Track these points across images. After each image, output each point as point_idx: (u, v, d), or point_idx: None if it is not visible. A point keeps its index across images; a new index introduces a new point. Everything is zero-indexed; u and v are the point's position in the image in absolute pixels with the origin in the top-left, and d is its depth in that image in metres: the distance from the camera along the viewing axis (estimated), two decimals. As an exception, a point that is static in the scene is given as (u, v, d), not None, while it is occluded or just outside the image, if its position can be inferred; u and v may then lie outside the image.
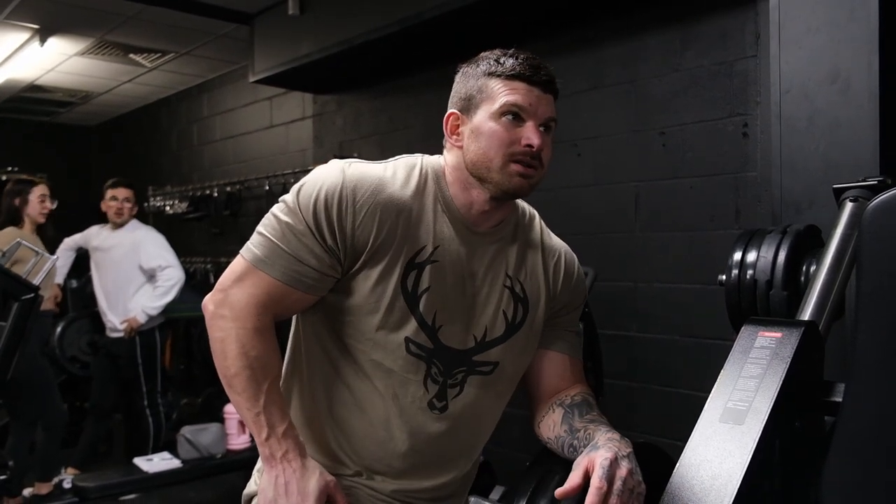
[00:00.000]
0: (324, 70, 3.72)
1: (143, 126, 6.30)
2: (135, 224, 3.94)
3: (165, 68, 5.01)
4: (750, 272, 1.49)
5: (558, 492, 1.06)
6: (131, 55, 4.69)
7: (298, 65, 3.60)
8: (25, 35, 4.26)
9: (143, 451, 3.67)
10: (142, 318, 3.75)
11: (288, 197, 1.16)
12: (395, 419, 1.19)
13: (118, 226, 3.89)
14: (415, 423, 1.20)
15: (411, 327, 1.16)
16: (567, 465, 1.22)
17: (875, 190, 1.39)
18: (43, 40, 4.28)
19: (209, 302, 1.16)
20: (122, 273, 3.82)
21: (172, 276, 3.81)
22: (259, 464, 1.29)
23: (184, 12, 3.79)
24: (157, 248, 3.85)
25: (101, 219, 4.00)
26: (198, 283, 5.02)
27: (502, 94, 1.14)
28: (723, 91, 2.51)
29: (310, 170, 1.20)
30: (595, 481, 1.01)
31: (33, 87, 5.47)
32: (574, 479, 1.05)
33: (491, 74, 1.16)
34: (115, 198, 3.85)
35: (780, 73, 1.84)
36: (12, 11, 3.86)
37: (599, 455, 1.05)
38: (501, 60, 1.16)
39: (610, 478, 1.02)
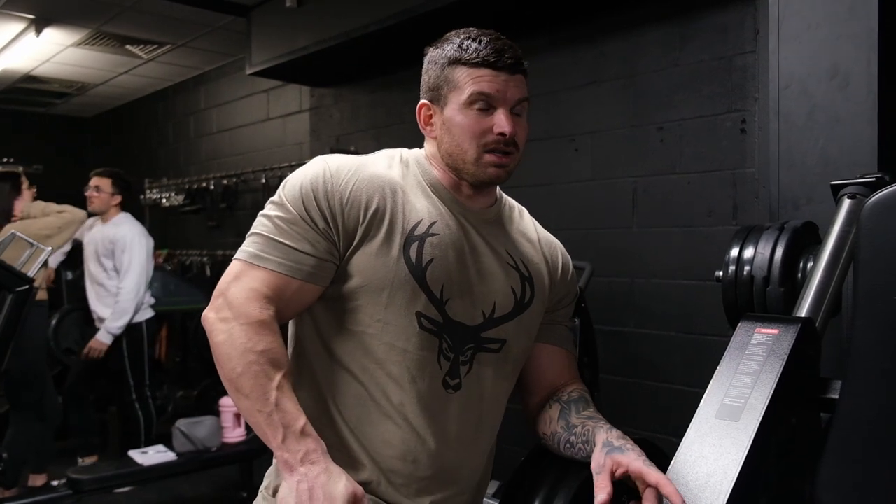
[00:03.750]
0: (321, 63, 3.70)
1: (139, 118, 6.28)
2: (120, 219, 3.84)
3: (162, 60, 4.99)
4: (747, 268, 1.49)
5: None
6: (128, 46, 4.67)
7: (296, 57, 3.58)
8: (21, 25, 4.23)
9: (136, 444, 3.66)
10: (106, 340, 3.67)
11: (274, 196, 1.17)
12: (412, 406, 1.15)
13: (105, 219, 3.82)
14: (432, 407, 1.16)
15: (421, 301, 1.14)
16: (563, 460, 1.22)
17: (873, 187, 1.39)
18: (39, 31, 4.25)
19: (209, 311, 1.12)
20: (104, 267, 3.78)
21: (129, 294, 3.69)
22: (265, 481, 1.23)
23: (181, 4, 3.76)
24: (127, 260, 3.72)
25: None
26: (194, 277, 5.02)
27: (468, 84, 1.13)
28: (721, 87, 2.50)
29: (306, 162, 1.20)
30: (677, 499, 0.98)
31: (29, 78, 5.45)
32: (605, 485, 1.03)
33: (455, 62, 1.15)
34: (88, 186, 3.80)
35: (779, 68, 1.83)
36: (8, 1, 3.84)
37: (637, 464, 1.04)
38: (464, 46, 1.14)
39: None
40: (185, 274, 5.09)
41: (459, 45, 1.15)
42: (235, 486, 3.42)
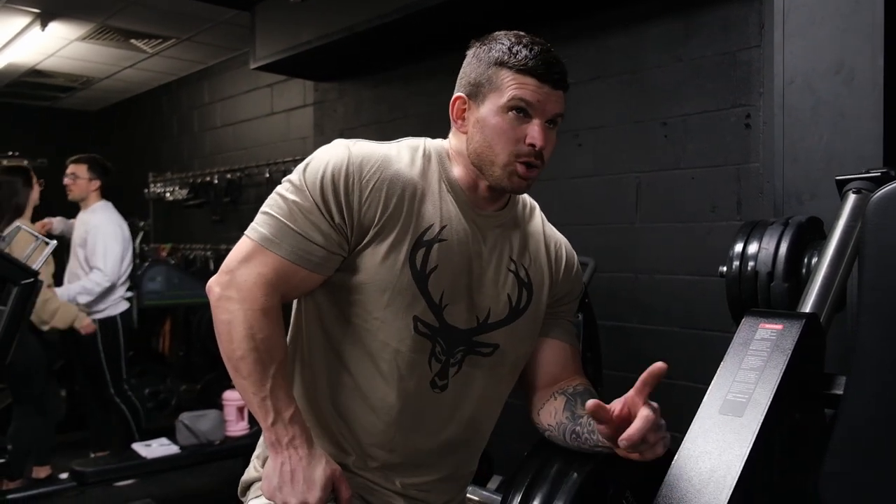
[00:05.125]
0: (324, 58, 3.70)
1: (143, 112, 6.28)
2: (98, 207, 3.75)
3: (166, 54, 4.99)
4: (751, 264, 1.49)
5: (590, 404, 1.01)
6: (132, 40, 4.67)
7: (299, 52, 3.58)
8: (27, 19, 4.24)
9: (130, 438, 3.61)
10: (61, 295, 3.54)
11: (293, 176, 1.16)
12: (395, 402, 1.18)
13: (85, 205, 3.74)
14: (415, 404, 1.19)
15: (420, 306, 1.15)
16: (565, 455, 1.22)
17: (878, 182, 1.38)
18: (44, 25, 4.25)
19: (214, 284, 1.15)
20: (78, 256, 3.71)
21: (100, 282, 3.60)
22: (258, 450, 1.29)
23: (185, -2, 3.77)
24: (101, 246, 3.62)
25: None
26: (198, 271, 5.02)
27: (511, 87, 1.13)
28: (726, 81, 2.49)
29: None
30: (645, 411, 0.99)
31: (34, 72, 5.45)
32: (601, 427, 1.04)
33: (502, 64, 1.14)
34: (66, 174, 3.72)
35: (783, 63, 1.83)
36: (13, -5, 3.85)
37: (638, 397, 1.03)
38: (514, 50, 1.13)
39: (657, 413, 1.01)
40: (189, 268, 5.10)
41: (509, 49, 1.13)
42: (239, 479, 3.42)
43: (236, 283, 1.12)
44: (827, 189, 1.64)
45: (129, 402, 3.80)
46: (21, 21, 4.26)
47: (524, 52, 1.13)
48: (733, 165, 2.48)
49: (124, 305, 3.83)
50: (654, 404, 1.03)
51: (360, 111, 4.11)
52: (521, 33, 1.17)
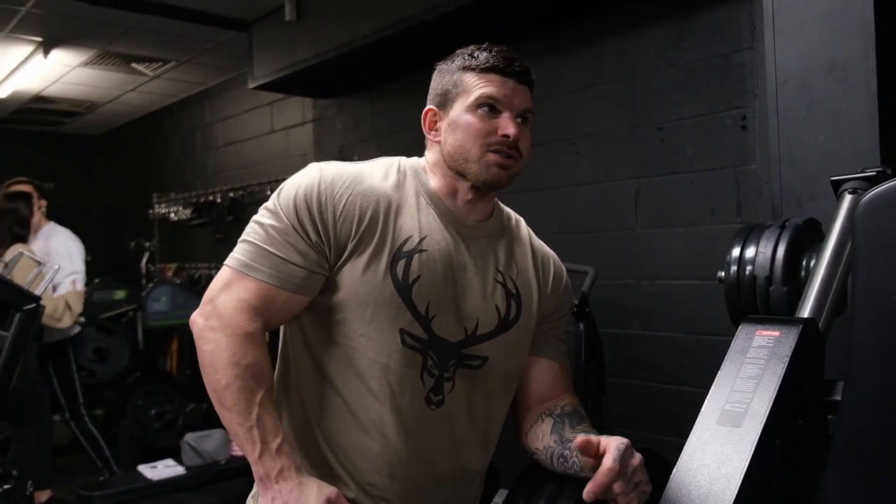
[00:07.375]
0: (322, 75, 3.71)
1: (146, 134, 6.33)
2: (49, 230, 3.73)
3: (167, 77, 5.03)
4: (749, 268, 1.46)
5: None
6: (133, 65, 4.72)
7: (297, 70, 3.59)
8: (30, 48, 4.29)
9: (96, 472, 3.55)
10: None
11: (268, 203, 1.17)
12: (390, 421, 1.14)
13: (34, 229, 3.69)
14: (412, 422, 1.15)
15: (406, 318, 1.14)
16: (556, 477, 1.19)
17: (873, 181, 1.35)
18: (47, 52, 4.32)
19: (197, 316, 1.13)
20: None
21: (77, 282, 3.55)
22: (254, 489, 1.23)
23: (183, 21, 3.80)
24: (67, 267, 3.54)
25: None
26: (203, 290, 5.03)
27: (477, 86, 1.15)
28: (720, 84, 2.48)
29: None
30: (608, 461, 0.99)
31: (39, 99, 5.51)
32: (588, 460, 1.03)
33: (466, 69, 1.18)
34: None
35: (776, 64, 1.81)
36: (16, 25, 3.90)
37: (614, 439, 1.02)
38: (475, 54, 1.18)
39: (623, 462, 1.00)
40: (194, 287, 5.11)
41: (470, 54, 1.19)
42: (244, 499, 3.40)
43: (217, 311, 1.10)
44: (825, 189, 1.61)
45: (85, 429, 3.68)
46: (24, 50, 4.31)
47: (484, 54, 1.17)
48: (731, 168, 2.46)
49: (76, 328, 3.71)
50: (636, 459, 1.02)
51: (358, 127, 4.11)
52: (480, 44, 1.21)
